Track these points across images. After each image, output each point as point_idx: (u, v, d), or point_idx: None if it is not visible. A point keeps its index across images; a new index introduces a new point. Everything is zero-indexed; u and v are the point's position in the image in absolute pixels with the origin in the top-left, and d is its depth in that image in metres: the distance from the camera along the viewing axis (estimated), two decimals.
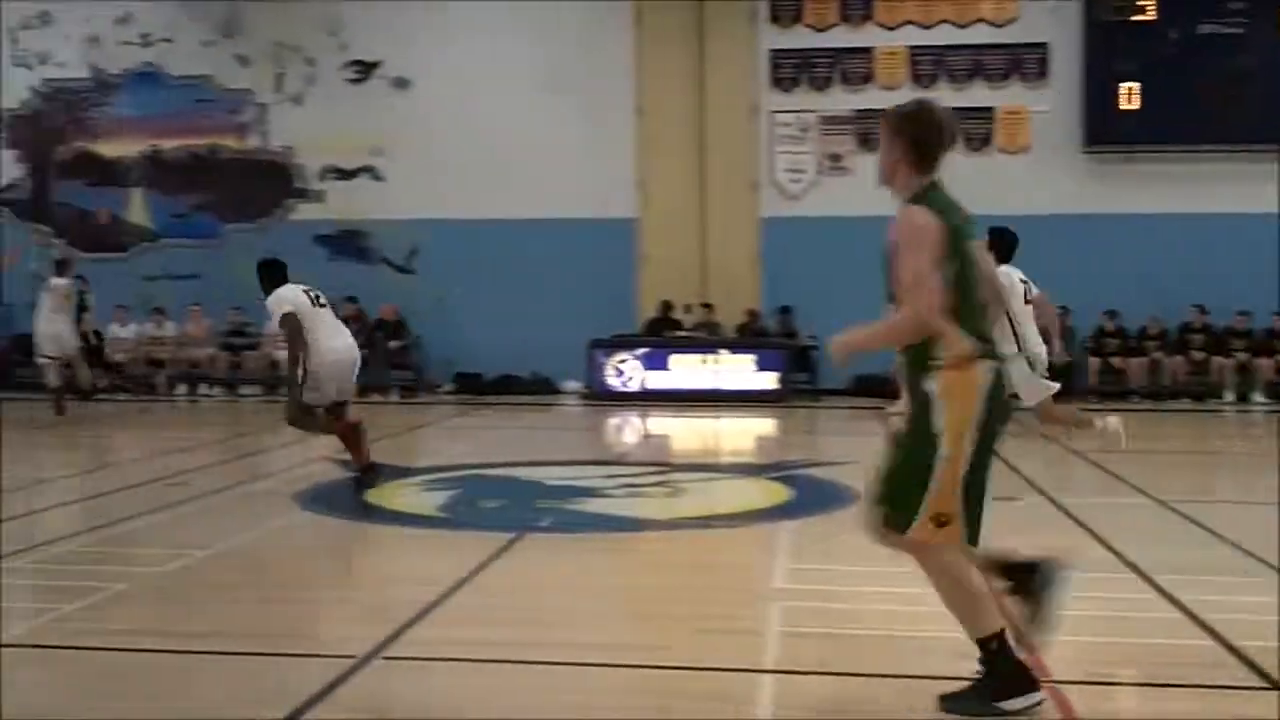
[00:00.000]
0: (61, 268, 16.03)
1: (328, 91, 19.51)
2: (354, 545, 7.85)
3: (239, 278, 19.12)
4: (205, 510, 8.72)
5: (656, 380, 17.06)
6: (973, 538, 4.31)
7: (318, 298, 9.22)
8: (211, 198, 19.90)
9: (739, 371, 17.00)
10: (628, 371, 17.21)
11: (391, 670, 4.94)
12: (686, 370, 17.11)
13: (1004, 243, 9.45)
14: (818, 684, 4.75)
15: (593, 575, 6.84)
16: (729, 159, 18.39)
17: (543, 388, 18.21)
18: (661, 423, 15.47)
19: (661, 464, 11.32)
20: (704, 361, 17.09)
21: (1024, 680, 4.31)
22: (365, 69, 19.47)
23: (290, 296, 9.02)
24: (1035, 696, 4.30)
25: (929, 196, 4.38)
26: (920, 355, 4.29)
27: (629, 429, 15.12)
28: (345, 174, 19.57)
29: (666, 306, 17.98)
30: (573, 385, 18.00)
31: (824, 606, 5.84)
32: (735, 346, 17.31)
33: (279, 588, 6.49)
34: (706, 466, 11.13)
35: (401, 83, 19.35)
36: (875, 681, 4.79)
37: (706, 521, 8.40)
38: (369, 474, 9.03)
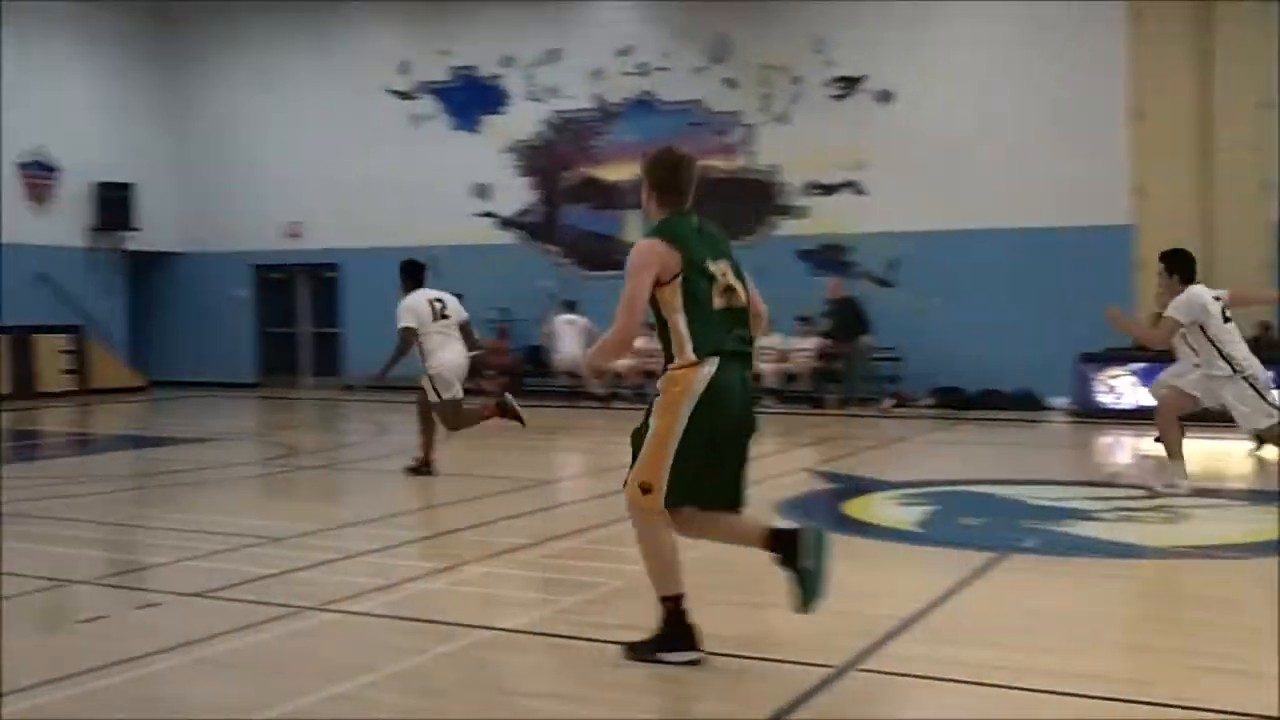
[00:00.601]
0: (572, 307, 17.50)
1: (812, 109, 19.86)
2: (832, 555, 7.91)
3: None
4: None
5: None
6: (733, 503, 5.21)
7: (442, 309, 10.79)
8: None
9: None
10: (1120, 387, 16.32)
11: (869, 683, 4.94)
12: None
13: (1177, 262, 9.50)
14: None
15: (1077, 601, 6.54)
16: (1236, 159, 17.05)
17: (1027, 403, 17.60)
18: (1157, 443, 14.50)
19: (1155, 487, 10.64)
20: None
21: (687, 640, 5.03)
22: (849, 84, 19.65)
23: (415, 307, 10.66)
24: (691, 655, 5.02)
25: (665, 226, 5.16)
26: (667, 359, 5.06)
27: (1122, 448, 14.32)
28: (827, 189, 19.84)
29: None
30: (1059, 401, 17.29)
31: None
32: None
33: (758, 593, 6.65)
34: (1211, 492, 10.34)
35: (884, 96, 19.37)
36: None
37: (1208, 551, 7.81)
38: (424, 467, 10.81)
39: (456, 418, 11.15)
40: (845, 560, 7.73)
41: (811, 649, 5.35)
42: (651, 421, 5.04)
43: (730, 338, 5.07)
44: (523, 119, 22.03)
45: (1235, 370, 9.17)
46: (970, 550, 7.53)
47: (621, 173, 21.28)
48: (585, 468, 12.37)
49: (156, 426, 15.12)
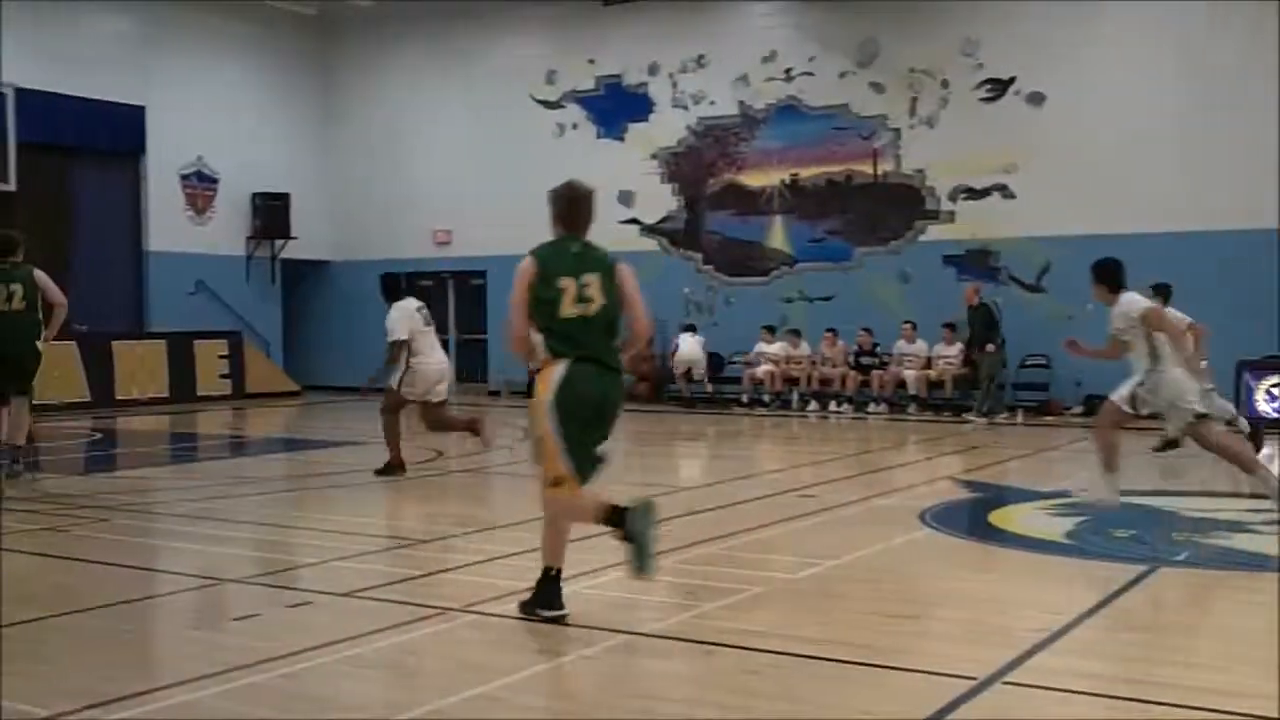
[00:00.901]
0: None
1: (960, 112, 19.56)
2: (977, 566, 7.76)
3: (871, 299, 19.73)
4: (834, 522, 9.01)
5: None
6: (582, 483, 5.85)
7: (427, 318, 11.64)
8: (845, 222, 20.60)
9: None
10: None
11: (1014, 696, 4.83)
12: None
13: (1102, 272, 9.46)
14: None
15: (1231, 616, 6.31)
16: None
17: None
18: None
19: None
20: None
21: (555, 601, 5.93)
22: (999, 87, 19.30)
23: (405, 316, 11.38)
24: (560, 613, 5.90)
25: (538, 247, 6.02)
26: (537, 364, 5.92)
27: None
28: (976, 193, 19.51)
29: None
30: None
31: None
32: None
33: (901, 602, 6.57)
34: None
35: (1036, 98, 18.99)
36: None
37: None
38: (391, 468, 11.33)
39: (438, 419, 11.82)
40: (991, 571, 7.63)
41: (956, 660, 5.25)
42: (530, 429, 5.95)
43: (581, 342, 5.85)
44: (667, 126, 22.12)
45: (1160, 371, 9.02)
46: (1120, 563, 7.33)
47: (765, 179, 21.23)
48: (727, 473, 12.34)
49: (309, 430, 15.54)
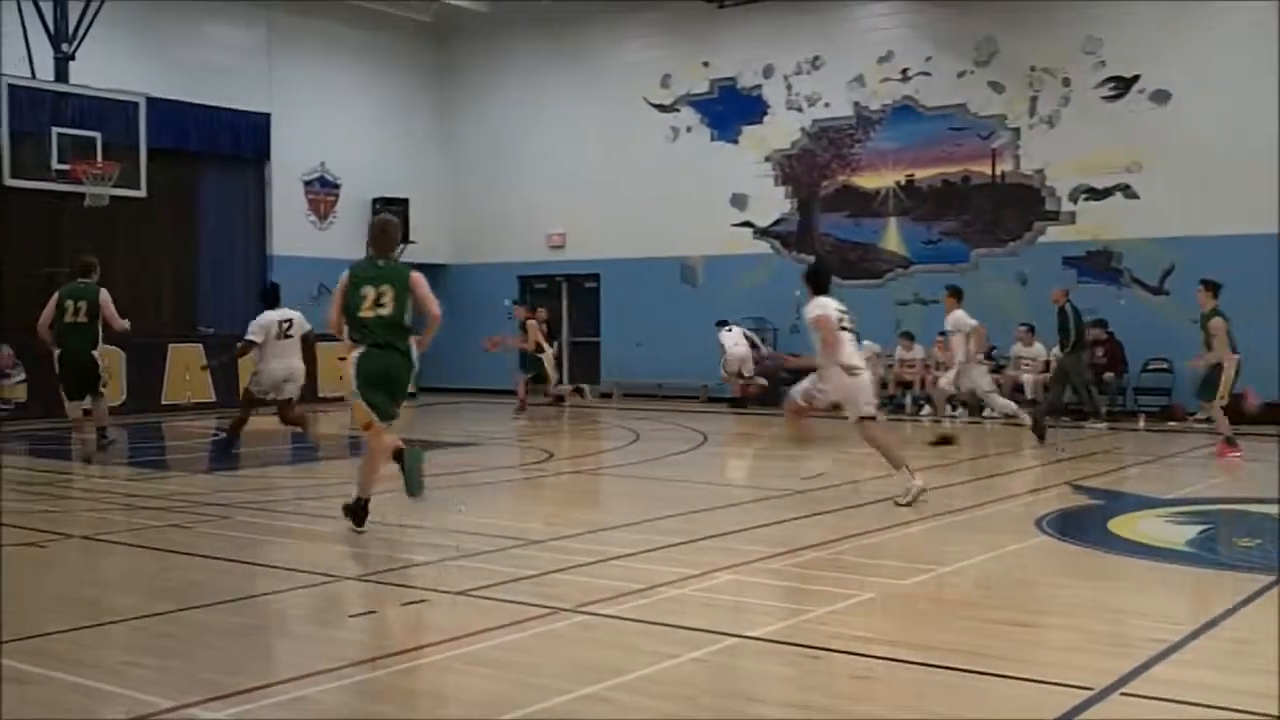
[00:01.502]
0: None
1: (1082, 111, 19.21)
2: (1093, 574, 7.61)
3: (988, 302, 19.41)
4: (945, 528, 8.91)
5: None
6: (384, 418, 8.47)
7: (286, 329, 13.33)
8: (962, 224, 20.34)
9: None
10: None
11: (1132, 707, 4.73)
12: None
13: (810, 277, 11.03)
14: None
15: None
16: None
17: None
18: None
19: None
20: None
21: (361, 521, 8.55)
22: (1123, 85, 18.91)
23: (264, 325, 13.24)
24: (361, 529, 8.47)
25: (356, 263, 8.76)
26: None
27: None
28: (1097, 194, 19.14)
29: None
30: None
31: None
32: None
33: (1015, 610, 6.48)
34: None
35: (1160, 96, 18.57)
36: None
37: None
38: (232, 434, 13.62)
39: (289, 415, 13.65)
40: (1109, 579, 7.48)
41: (1072, 670, 5.16)
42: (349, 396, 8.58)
43: (373, 335, 8.46)
44: (781, 128, 22.06)
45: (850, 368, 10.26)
46: (1247, 573, 7.14)
47: (881, 180, 21.06)
48: (834, 477, 12.24)
49: (426, 430, 15.75)
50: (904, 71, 20.85)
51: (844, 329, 10.71)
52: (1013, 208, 19.87)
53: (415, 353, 8.65)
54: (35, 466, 12.99)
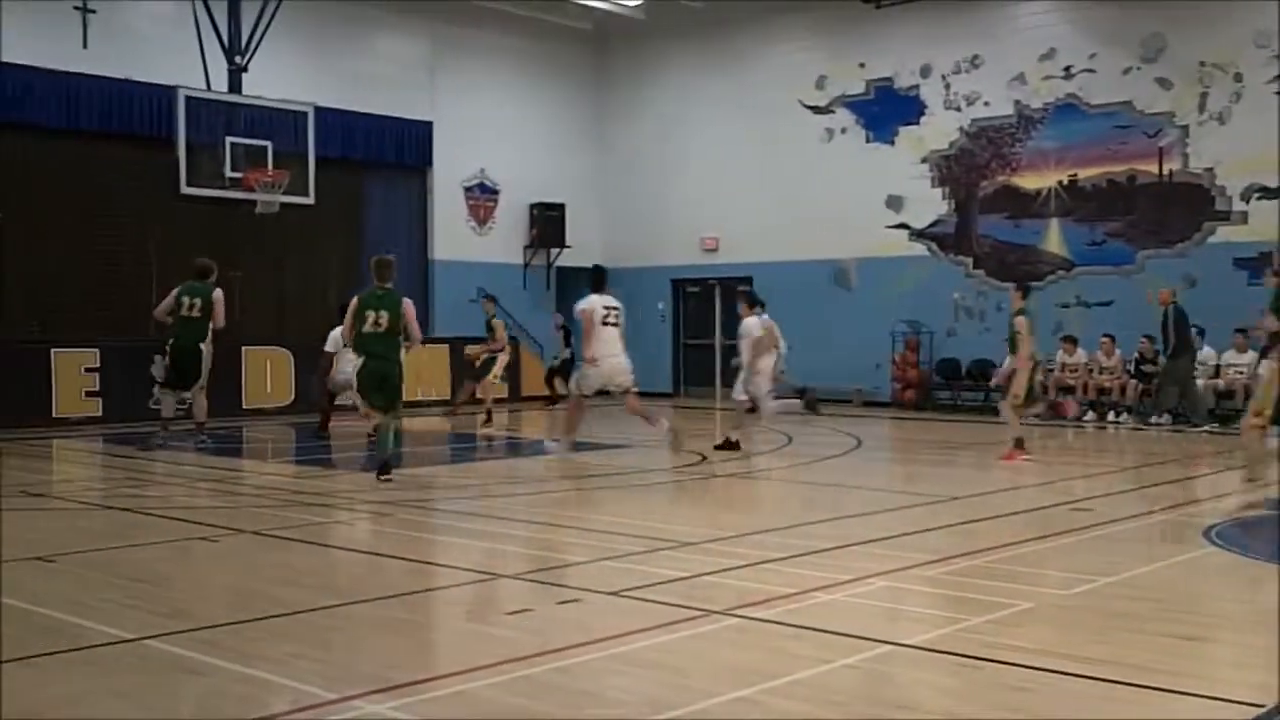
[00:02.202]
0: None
1: (1254, 107, 18.53)
2: (1263, 586, 7.34)
3: (1153, 304, 18.84)
4: (1109, 538, 8.68)
5: None
6: (385, 410, 11.24)
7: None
8: (1127, 224, 19.77)
9: None
10: None
11: None
12: None
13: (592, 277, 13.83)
14: None
15: None
16: None
17: None
18: None
19: None
20: None
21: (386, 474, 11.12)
22: None
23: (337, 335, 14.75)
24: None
25: (363, 291, 11.36)
26: None
27: None
28: (1271, 192, 18.44)
29: None
30: None
31: None
32: None
33: (1180, 623, 6.28)
34: None
35: None
36: None
37: None
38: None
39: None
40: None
41: (1242, 686, 5.00)
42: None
43: (370, 346, 11.14)
44: (939, 129, 21.75)
45: (590, 360, 13.22)
46: None
47: (1041, 180, 20.61)
48: (994, 484, 12.02)
49: (580, 432, 15.94)
50: (1067, 69, 20.36)
51: (607, 324, 13.14)
52: (1181, 207, 19.25)
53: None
54: (204, 463, 13.50)
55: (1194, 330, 17.70)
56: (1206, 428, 17.00)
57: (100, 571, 7.41)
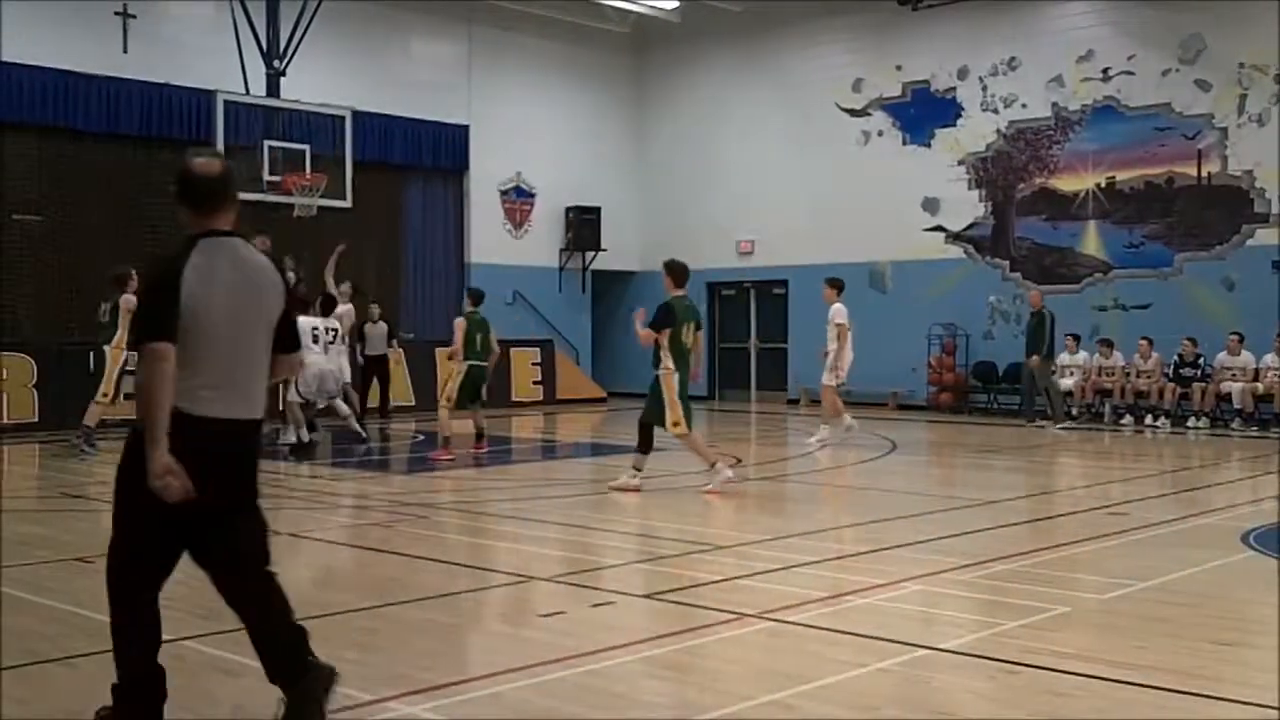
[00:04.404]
0: None
1: None
2: None
3: (1193, 308, 18.72)
4: (1147, 542, 8.62)
5: None
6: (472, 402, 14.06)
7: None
8: (1166, 227, 19.62)
9: None
10: None
11: None
12: None
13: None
14: None
15: None
16: None
17: None
18: None
19: None
20: None
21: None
22: None
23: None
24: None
25: (470, 316, 13.98)
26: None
27: None
28: None
29: None
30: None
31: None
32: None
33: (1220, 628, 6.23)
34: None
35: None
36: None
37: None
38: None
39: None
40: None
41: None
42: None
43: (476, 357, 13.75)
44: (976, 131, 21.64)
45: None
46: None
47: (1079, 182, 20.49)
48: (1029, 488, 11.96)
49: (614, 435, 15.96)
50: (1105, 71, 20.22)
51: (315, 342, 14.13)
52: (1220, 210, 19.07)
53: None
54: None
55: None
56: (1059, 427, 17.77)
57: None
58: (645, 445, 11.15)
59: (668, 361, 10.97)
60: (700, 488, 11.03)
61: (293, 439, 14.43)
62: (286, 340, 4.43)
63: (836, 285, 15.76)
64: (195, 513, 4.11)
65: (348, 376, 15.56)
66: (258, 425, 4.37)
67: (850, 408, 16.19)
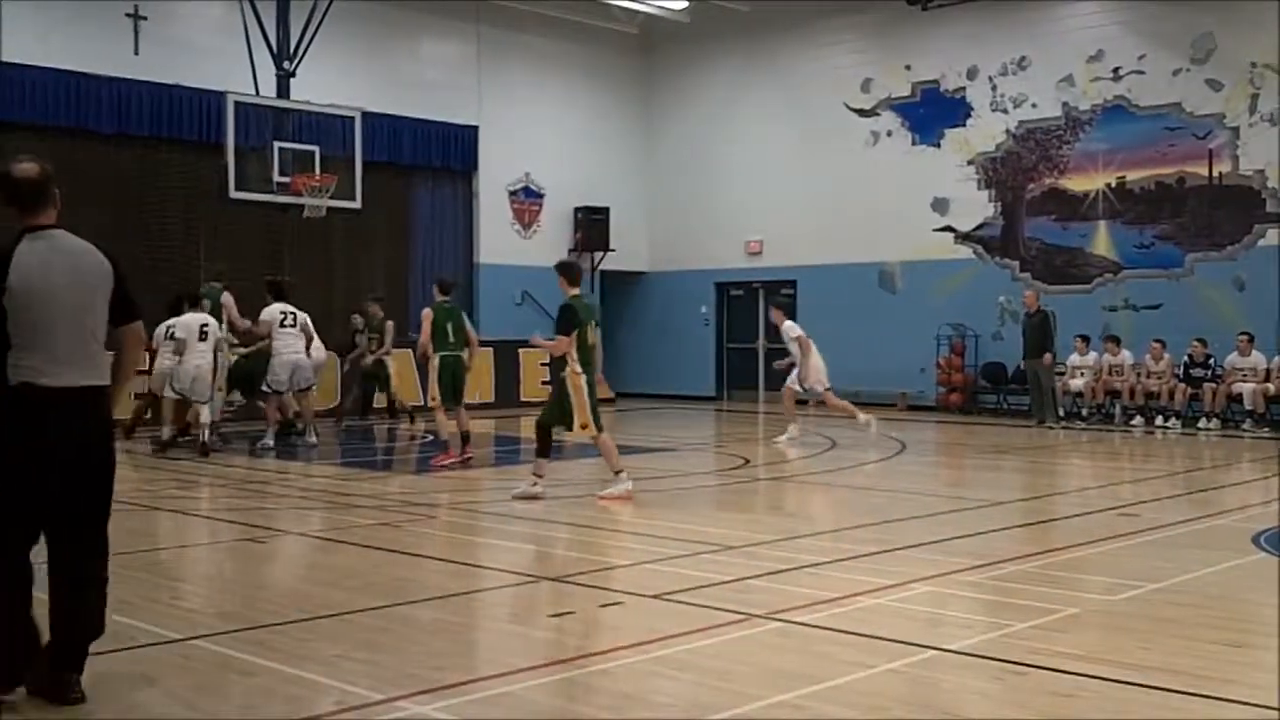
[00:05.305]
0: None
1: None
2: None
3: (1203, 308, 18.67)
4: (1156, 543, 8.61)
5: None
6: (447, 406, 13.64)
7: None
8: (1176, 227, 19.58)
9: None
10: None
11: None
12: None
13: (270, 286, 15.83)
14: None
15: None
16: None
17: None
18: None
19: None
20: None
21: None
22: None
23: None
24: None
25: (437, 308, 13.62)
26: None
27: None
28: None
29: None
30: None
31: None
32: None
33: (1230, 630, 6.22)
34: None
35: None
36: None
37: None
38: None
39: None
40: None
41: None
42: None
43: (447, 347, 13.41)
44: (986, 131, 21.62)
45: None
46: None
47: (1090, 182, 20.45)
48: (1037, 489, 11.95)
49: (623, 436, 15.96)
50: (1115, 70, 20.18)
51: (285, 326, 14.92)
52: (1231, 210, 19.03)
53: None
54: (253, 465, 13.64)
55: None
56: (1058, 427, 17.94)
57: (149, 573, 7.51)
58: (544, 449, 10.75)
59: (574, 364, 10.58)
60: (700, 488, 11.03)
61: (271, 441, 14.65)
62: (118, 314, 4.98)
63: (781, 308, 17.12)
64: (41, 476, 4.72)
65: (319, 363, 16.28)
66: (98, 390, 4.89)
67: (860, 408, 16.20)
